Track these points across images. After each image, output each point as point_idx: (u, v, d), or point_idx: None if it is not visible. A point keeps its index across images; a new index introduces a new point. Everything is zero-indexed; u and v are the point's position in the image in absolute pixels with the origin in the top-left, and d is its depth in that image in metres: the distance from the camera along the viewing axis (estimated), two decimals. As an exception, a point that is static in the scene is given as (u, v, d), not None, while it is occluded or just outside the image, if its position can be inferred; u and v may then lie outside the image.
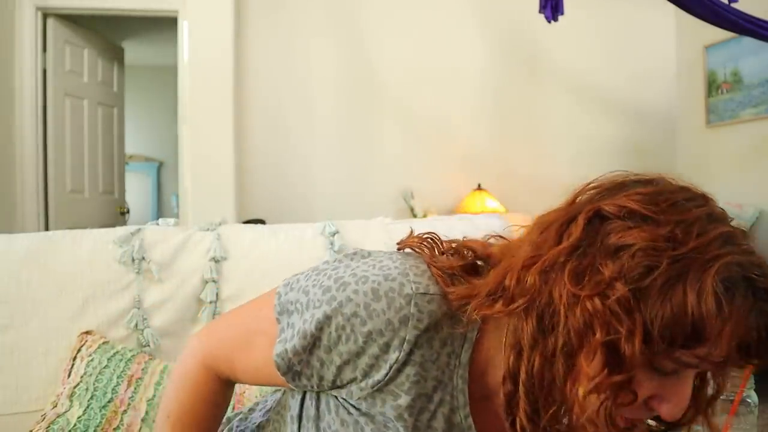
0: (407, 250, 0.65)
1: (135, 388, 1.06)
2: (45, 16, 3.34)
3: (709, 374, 0.56)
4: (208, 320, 1.23)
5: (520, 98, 3.77)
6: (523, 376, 0.53)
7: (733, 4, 2.34)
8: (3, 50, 3.20)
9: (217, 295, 1.25)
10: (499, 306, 0.54)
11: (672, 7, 2.57)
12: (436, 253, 0.64)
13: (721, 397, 0.76)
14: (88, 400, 1.01)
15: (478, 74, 3.74)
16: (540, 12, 2.45)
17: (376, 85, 3.56)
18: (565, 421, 0.53)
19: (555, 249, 0.52)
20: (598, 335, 0.47)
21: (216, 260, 1.28)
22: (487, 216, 1.42)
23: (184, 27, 3.36)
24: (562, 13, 2.42)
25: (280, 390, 0.74)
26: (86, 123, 3.72)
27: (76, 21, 3.57)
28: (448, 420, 0.59)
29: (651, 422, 0.59)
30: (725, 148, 3.46)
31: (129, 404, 1.04)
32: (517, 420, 0.54)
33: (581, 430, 0.52)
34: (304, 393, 0.66)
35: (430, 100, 3.69)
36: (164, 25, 3.68)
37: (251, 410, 0.79)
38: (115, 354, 1.09)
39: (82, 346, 1.08)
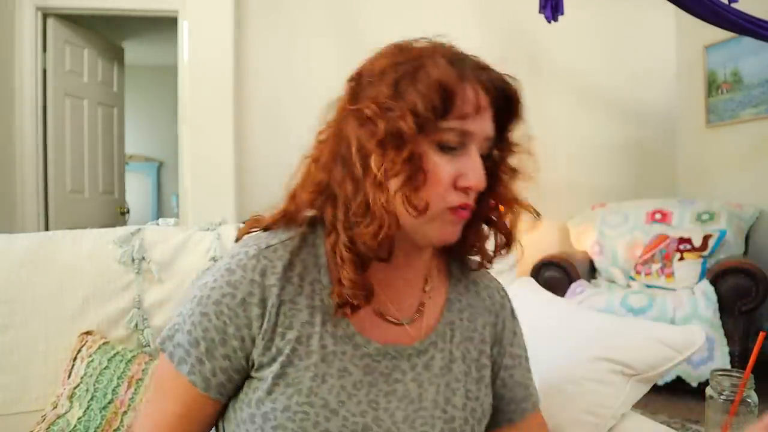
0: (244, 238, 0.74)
1: (135, 389, 1.06)
2: (45, 16, 3.34)
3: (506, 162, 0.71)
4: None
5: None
6: (339, 205, 0.65)
7: (733, 4, 2.34)
8: (3, 50, 3.20)
9: (217, 295, 1.25)
10: (314, 166, 0.68)
11: (672, 7, 2.57)
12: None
13: (721, 398, 0.77)
14: (88, 402, 1.00)
15: (478, 74, 3.74)
16: (540, 12, 2.45)
17: (376, 85, 3.56)
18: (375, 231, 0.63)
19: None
20: (380, 126, 0.61)
21: (216, 260, 1.28)
22: (487, 216, 1.42)
23: (184, 27, 3.36)
24: (562, 13, 2.42)
25: None
26: (86, 123, 3.72)
27: (76, 21, 3.57)
28: (334, 335, 0.67)
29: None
30: (725, 148, 3.46)
31: (129, 405, 1.04)
32: (338, 252, 0.65)
33: (403, 233, 0.65)
34: None
35: (430, 100, 3.69)
36: (164, 25, 3.68)
37: None
38: (115, 355, 1.09)
39: (82, 347, 1.08)
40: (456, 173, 0.63)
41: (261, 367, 0.65)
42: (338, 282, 0.65)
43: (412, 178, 0.61)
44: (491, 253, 0.74)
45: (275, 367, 0.65)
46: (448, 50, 0.66)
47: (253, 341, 0.65)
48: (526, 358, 0.80)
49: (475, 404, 0.71)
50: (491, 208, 0.72)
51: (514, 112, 0.68)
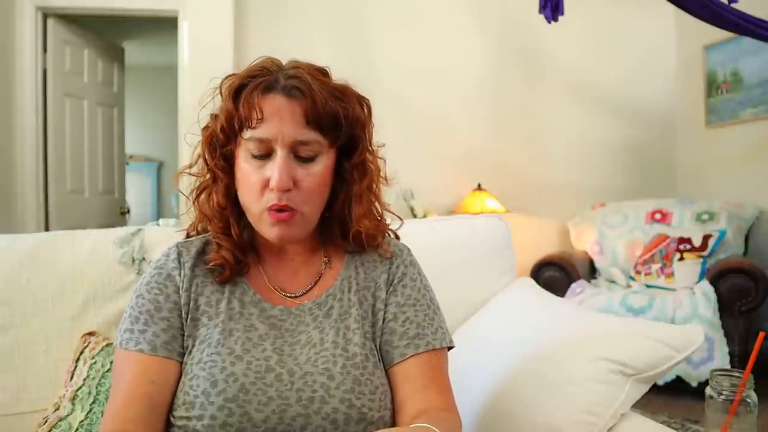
0: None
1: (135, 389, 1.05)
2: (45, 16, 3.34)
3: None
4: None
5: (520, 98, 3.77)
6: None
7: (733, 4, 2.34)
8: (3, 50, 3.20)
9: (217, 295, 1.25)
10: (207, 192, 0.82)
11: (672, 7, 2.57)
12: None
13: (721, 398, 0.77)
14: (90, 404, 1.00)
15: (479, 74, 3.74)
16: (540, 13, 2.45)
17: (376, 86, 3.54)
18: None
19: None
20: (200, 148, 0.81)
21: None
22: (487, 216, 1.42)
23: (184, 27, 3.36)
24: (562, 14, 2.42)
25: None
26: (86, 123, 3.72)
27: (76, 21, 3.57)
28: (241, 300, 0.80)
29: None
30: (725, 148, 3.46)
31: (129, 404, 1.03)
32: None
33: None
34: None
35: (430, 100, 3.69)
36: (164, 25, 3.68)
37: None
38: (115, 354, 1.09)
39: (85, 348, 1.07)
40: (265, 177, 0.74)
41: (186, 334, 0.76)
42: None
43: (215, 186, 0.80)
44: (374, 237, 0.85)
45: (191, 330, 0.76)
46: (254, 67, 0.80)
47: (178, 300, 0.77)
48: (427, 303, 0.84)
49: (372, 343, 0.79)
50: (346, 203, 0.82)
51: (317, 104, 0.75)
